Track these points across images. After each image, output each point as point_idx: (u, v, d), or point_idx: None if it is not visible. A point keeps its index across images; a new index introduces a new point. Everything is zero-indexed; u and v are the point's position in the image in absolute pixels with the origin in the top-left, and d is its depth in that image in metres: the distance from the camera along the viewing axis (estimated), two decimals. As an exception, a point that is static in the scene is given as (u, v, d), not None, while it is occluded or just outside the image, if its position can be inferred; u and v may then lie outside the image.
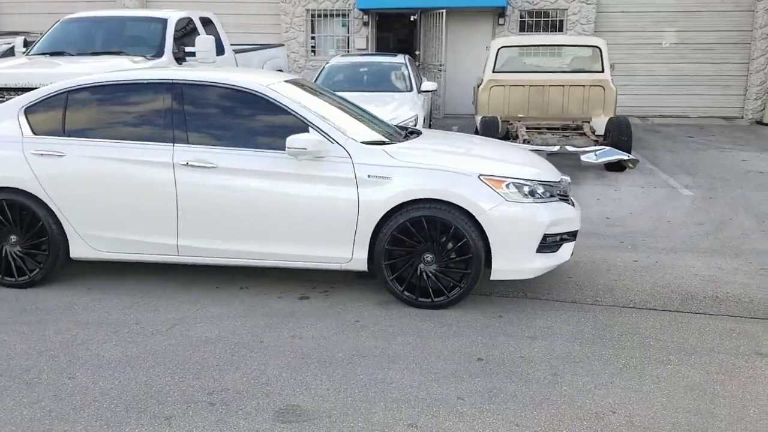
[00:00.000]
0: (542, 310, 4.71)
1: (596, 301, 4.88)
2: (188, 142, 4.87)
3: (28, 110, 5.10)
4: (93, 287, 5.12)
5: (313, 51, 16.10)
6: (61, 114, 5.06)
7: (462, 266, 4.64)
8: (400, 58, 11.22)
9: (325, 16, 15.88)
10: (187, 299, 4.88)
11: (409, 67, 10.93)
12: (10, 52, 9.98)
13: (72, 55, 8.41)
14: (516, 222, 4.58)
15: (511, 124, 10.49)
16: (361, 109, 5.79)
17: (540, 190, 4.71)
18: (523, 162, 5.01)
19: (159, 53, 8.51)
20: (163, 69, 5.31)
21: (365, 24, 15.62)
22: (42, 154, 4.96)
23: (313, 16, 15.87)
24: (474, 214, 4.56)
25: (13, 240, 5.06)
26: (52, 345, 4.10)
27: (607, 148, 8.65)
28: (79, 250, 5.04)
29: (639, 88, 15.22)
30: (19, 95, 7.16)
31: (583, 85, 10.69)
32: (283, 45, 13.63)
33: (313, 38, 16.07)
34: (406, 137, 5.32)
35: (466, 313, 4.63)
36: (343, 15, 15.82)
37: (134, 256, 5.02)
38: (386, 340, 4.19)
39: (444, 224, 4.59)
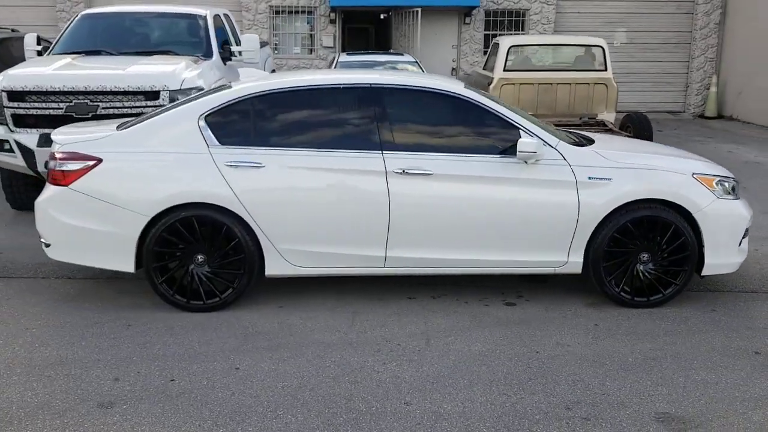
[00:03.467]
0: (743, 301, 4.96)
1: (780, 290, 5.19)
2: (396, 149, 4.66)
3: (209, 118, 4.67)
4: (283, 305, 4.79)
5: (276, 49, 15.62)
6: (250, 121, 4.69)
7: (677, 264, 4.78)
8: (409, 57, 11.20)
9: (289, 12, 15.46)
10: (394, 312, 4.69)
11: (422, 67, 10.93)
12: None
13: (113, 54, 7.67)
14: (726, 218, 4.78)
15: (526, 121, 10.75)
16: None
17: (735, 186, 4.95)
18: (706, 160, 5.22)
19: (208, 53, 7.96)
20: (358, 72, 5.01)
21: (332, 21, 15.36)
22: (238, 166, 4.56)
23: (276, 12, 15.40)
24: (691, 212, 4.71)
25: (200, 260, 4.62)
26: (335, 370, 3.82)
27: (648, 143, 9.10)
28: (276, 267, 4.69)
29: (595, 85, 16.03)
30: (71, 101, 6.46)
31: (588, 83, 11.16)
32: (268, 44, 13.13)
33: (275, 35, 15.59)
34: (583, 140, 5.32)
35: (680, 310, 4.78)
36: (308, 12, 15.47)
37: (335, 270, 4.75)
38: (650, 342, 4.25)
39: (664, 224, 4.71)
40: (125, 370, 3.80)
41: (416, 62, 10.96)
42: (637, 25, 16.09)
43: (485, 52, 15.89)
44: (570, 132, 5.67)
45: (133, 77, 6.65)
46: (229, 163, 4.57)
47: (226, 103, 4.69)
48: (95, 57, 7.55)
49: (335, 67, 10.69)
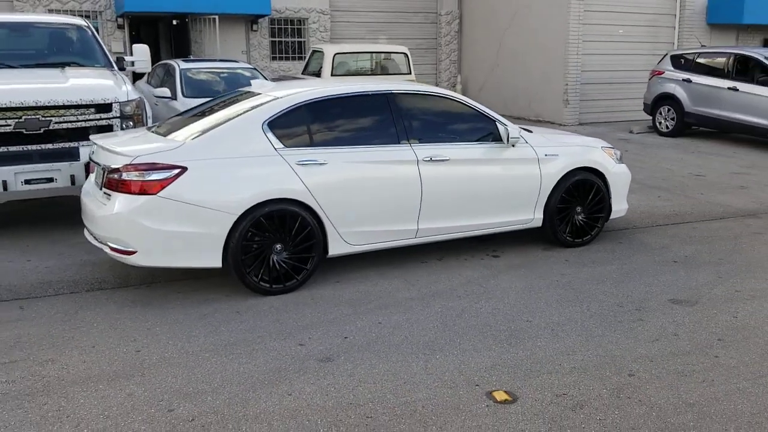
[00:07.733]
0: (630, 234, 7.10)
1: (656, 224, 7.45)
2: (418, 142, 5.84)
3: (271, 124, 5.34)
4: (339, 280, 5.66)
5: (56, 56, 14.73)
6: (306, 125, 5.46)
7: (598, 212, 6.72)
8: (245, 64, 11.86)
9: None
10: (429, 272, 5.87)
11: (262, 74, 11.70)
12: None
13: (14, 67, 7.34)
14: (622, 176, 6.86)
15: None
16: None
17: (622, 155, 7.06)
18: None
19: (108, 64, 7.99)
20: (382, 82, 5.94)
21: (120, 27, 15.02)
22: (307, 164, 5.33)
23: (56, 17, 14.53)
24: (605, 174, 6.69)
25: (278, 248, 5.29)
26: (452, 311, 4.92)
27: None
28: (337, 248, 5.54)
29: (368, 85, 18.05)
30: (20, 117, 6.33)
31: (398, 85, 12.98)
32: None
33: (55, 42, 14.69)
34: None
35: (603, 245, 6.73)
36: (93, 17, 14.90)
37: (380, 245, 5.76)
38: (612, 265, 6.09)
39: (589, 185, 6.60)
40: (297, 339, 4.46)
41: (255, 68, 11.69)
42: (395, 32, 18.47)
43: (273, 58, 16.93)
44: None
45: (85, 91, 6.68)
46: (299, 162, 5.31)
47: (284, 111, 5.41)
48: (-2, 70, 7.17)
49: (180, 75, 10.95)
